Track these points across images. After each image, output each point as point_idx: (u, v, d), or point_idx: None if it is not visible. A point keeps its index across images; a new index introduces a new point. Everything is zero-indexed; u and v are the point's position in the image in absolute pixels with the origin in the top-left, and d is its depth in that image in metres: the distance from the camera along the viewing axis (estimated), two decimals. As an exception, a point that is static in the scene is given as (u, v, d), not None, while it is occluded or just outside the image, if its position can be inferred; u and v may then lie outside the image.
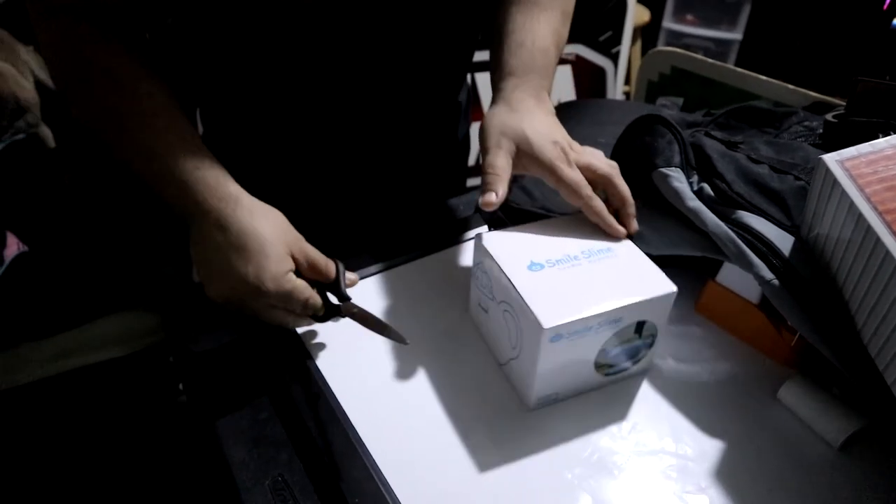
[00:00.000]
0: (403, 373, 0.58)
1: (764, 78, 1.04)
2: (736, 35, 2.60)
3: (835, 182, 0.48)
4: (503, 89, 0.61)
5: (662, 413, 0.55)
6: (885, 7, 1.56)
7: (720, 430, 0.54)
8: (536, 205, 0.66)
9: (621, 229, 0.56)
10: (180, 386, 0.83)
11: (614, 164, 0.59)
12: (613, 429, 0.54)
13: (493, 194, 0.54)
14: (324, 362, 0.59)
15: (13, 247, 1.21)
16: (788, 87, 1.00)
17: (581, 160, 0.57)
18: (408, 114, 0.77)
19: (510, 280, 0.51)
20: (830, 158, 0.49)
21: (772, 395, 0.56)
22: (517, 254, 0.54)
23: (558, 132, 0.58)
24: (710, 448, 0.52)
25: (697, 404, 0.56)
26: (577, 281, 0.52)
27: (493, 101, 0.62)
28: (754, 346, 0.61)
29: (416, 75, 0.73)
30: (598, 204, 0.56)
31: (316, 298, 0.56)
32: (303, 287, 0.54)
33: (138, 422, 1.22)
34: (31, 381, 1.19)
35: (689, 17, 2.66)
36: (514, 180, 0.66)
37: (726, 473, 0.50)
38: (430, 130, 0.83)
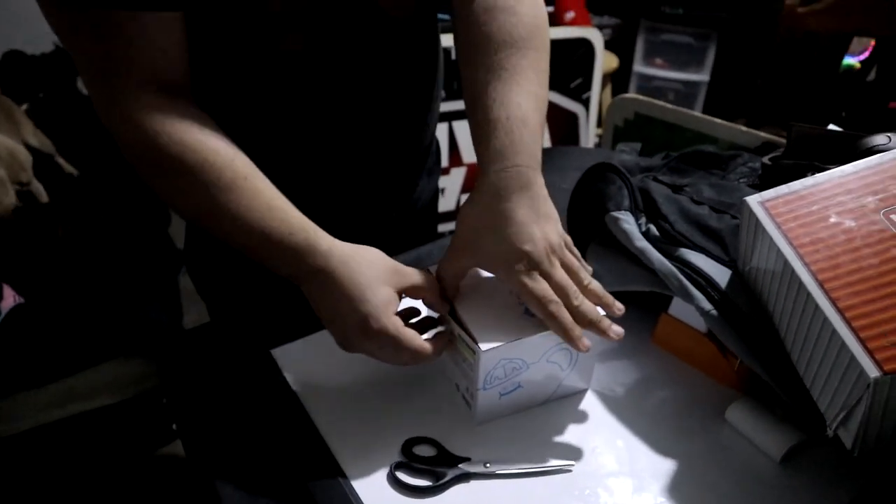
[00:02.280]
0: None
1: (719, 121, 1.12)
2: (703, 77, 2.72)
3: (757, 222, 0.54)
4: (487, 174, 0.57)
5: (619, 437, 0.60)
6: (868, 54, 1.67)
7: (673, 451, 0.58)
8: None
9: (585, 344, 0.54)
10: (174, 426, 0.86)
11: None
12: (574, 452, 0.58)
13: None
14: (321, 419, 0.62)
15: (9, 299, 1.25)
16: (741, 129, 1.08)
17: (566, 260, 0.56)
18: (376, 154, 0.79)
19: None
20: (753, 200, 0.55)
21: (720, 416, 0.61)
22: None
23: (539, 229, 0.55)
24: (664, 467, 0.57)
25: (652, 428, 0.61)
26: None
27: (477, 185, 0.58)
28: (704, 372, 0.66)
29: (381, 122, 0.76)
30: (563, 317, 0.53)
31: (424, 350, 0.56)
32: (409, 338, 0.55)
33: (133, 468, 1.25)
34: (27, 428, 1.21)
35: (659, 60, 2.78)
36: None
37: (681, 490, 0.55)
38: (398, 174, 0.84)
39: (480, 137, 0.59)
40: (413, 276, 0.58)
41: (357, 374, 0.65)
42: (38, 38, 2.13)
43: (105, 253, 1.40)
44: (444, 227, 1.95)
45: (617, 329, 0.56)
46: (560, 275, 0.55)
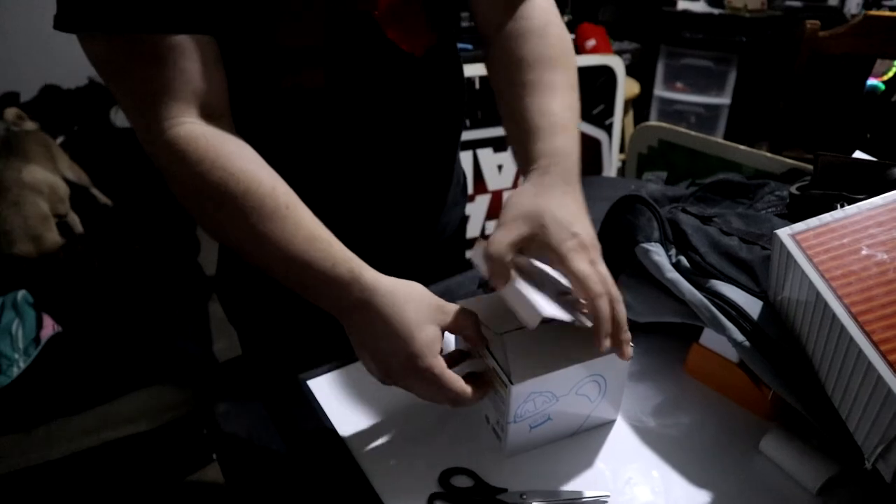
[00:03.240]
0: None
1: (743, 148, 1.13)
2: (724, 100, 2.74)
3: (788, 254, 0.55)
4: (534, 171, 0.60)
5: (654, 467, 0.60)
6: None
7: (708, 482, 0.58)
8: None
9: (606, 344, 0.53)
10: (214, 456, 0.88)
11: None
12: (609, 483, 0.59)
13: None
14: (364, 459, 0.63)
15: (49, 328, 1.29)
16: (766, 156, 1.08)
17: (599, 267, 0.55)
18: (401, 186, 0.80)
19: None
20: (783, 233, 0.56)
21: (754, 446, 0.61)
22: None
23: (580, 224, 0.56)
24: (700, 499, 0.57)
25: (687, 458, 0.61)
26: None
27: (522, 183, 0.61)
28: (737, 402, 0.66)
29: (405, 155, 0.77)
30: (604, 307, 0.52)
31: (465, 394, 0.56)
32: (452, 380, 0.55)
33: (165, 494, 1.27)
34: (63, 455, 1.24)
35: (679, 84, 2.80)
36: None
37: (715, 521, 0.55)
38: (424, 205, 0.85)
39: (525, 143, 0.63)
40: (456, 313, 0.58)
41: (391, 405, 0.66)
42: (74, 72, 2.21)
43: (138, 283, 1.44)
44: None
45: (629, 350, 0.56)
46: (604, 269, 0.55)
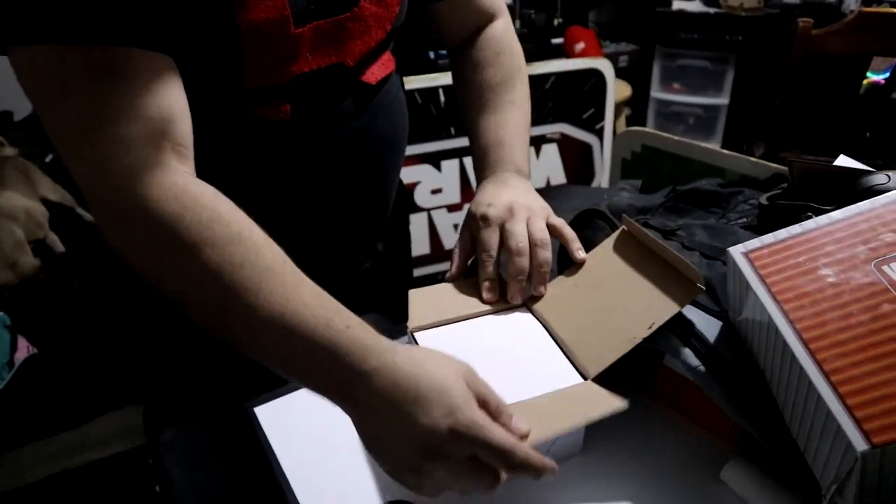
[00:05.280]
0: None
1: (727, 152, 1.09)
2: (723, 100, 2.69)
3: (741, 273, 0.51)
4: (480, 180, 0.75)
5: (613, 495, 0.57)
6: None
7: (667, 511, 0.55)
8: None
9: (517, 299, 0.64)
10: (157, 488, 0.86)
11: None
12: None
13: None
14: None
15: (23, 350, 1.28)
16: (750, 160, 1.04)
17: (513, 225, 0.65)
18: (346, 209, 0.78)
19: None
20: (736, 251, 0.52)
21: (716, 474, 0.57)
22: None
23: (500, 198, 0.68)
24: (656, 531, 0.54)
25: (647, 485, 0.57)
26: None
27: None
28: (701, 426, 0.63)
29: (362, 169, 0.75)
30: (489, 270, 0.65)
31: (516, 447, 0.45)
32: (499, 433, 0.45)
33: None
34: (37, 479, 1.22)
35: (676, 85, 2.76)
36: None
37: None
38: (366, 225, 0.83)
39: (475, 157, 0.78)
40: (482, 381, 0.49)
41: (340, 433, 0.63)
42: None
43: (117, 302, 1.42)
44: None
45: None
46: (521, 228, 0.65)
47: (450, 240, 1.91)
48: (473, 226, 0.68)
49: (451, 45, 0.85)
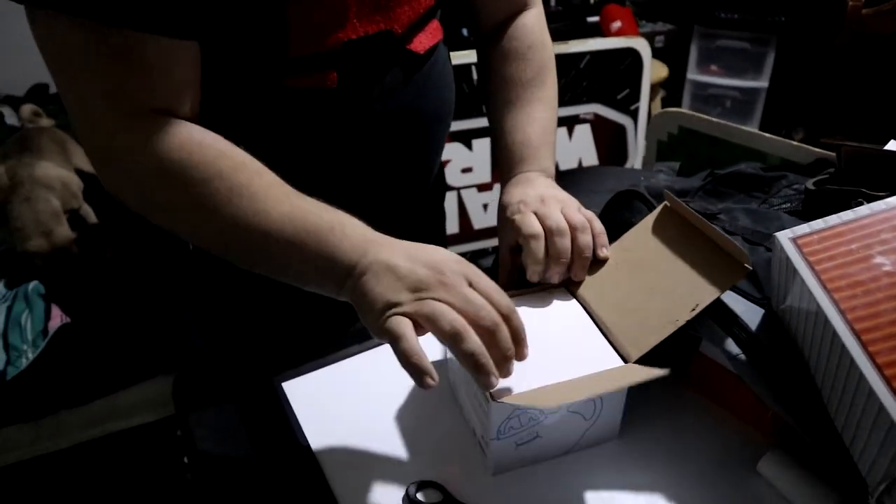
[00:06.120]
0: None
1: (767, 135, 1.06)
2: (762, 83, 2.60)
3: (788, 259, 0.49)
4: (505, 181, 0.73)
5: (648, 484, 0.56)
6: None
7: (702, 502, 0.54)
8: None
9: (534, 278, 0.62)
10: (185, 459, 0.87)
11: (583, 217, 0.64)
12: (599, 499, 0.55)
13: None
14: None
15: (56, 318, 1.30)
16: (793, 144, 1.01)
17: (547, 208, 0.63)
18: (389, 184, 0.78)
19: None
20: (783, 236, 0.50)
21: (753, 466, 0.56)
22: None
23: (529, 194, 0.66)
24: (691, 521, 0.53)
25: (682, 475, 0.56)
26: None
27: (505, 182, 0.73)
28: (738, 417, 0.61)
29: (408, 139, 0.75)
30: (534, 247, 0.61)
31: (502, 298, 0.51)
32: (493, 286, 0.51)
33: (169, 486, 1.27)
34: (71, 445, 1.25)
35: (714, 67, 2.68)
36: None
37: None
38: (409, 196, 0.84)
39: (499, 160, 0.76)
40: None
41: (370, 409, 0.63)
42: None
43: (150, 272, 1.44)
44: (488, 243, 1.93)
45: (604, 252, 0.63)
46: (556, 212, 0.62)
47: (479, 220, 1.89)
48: (508, 226, 0.65)
49: (481, 30, 0.82)
